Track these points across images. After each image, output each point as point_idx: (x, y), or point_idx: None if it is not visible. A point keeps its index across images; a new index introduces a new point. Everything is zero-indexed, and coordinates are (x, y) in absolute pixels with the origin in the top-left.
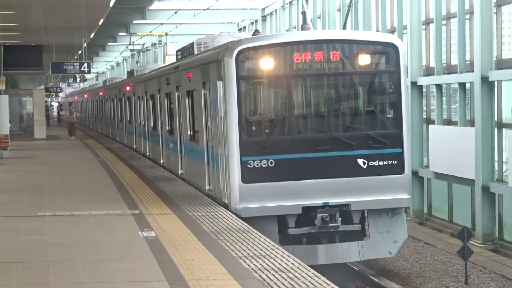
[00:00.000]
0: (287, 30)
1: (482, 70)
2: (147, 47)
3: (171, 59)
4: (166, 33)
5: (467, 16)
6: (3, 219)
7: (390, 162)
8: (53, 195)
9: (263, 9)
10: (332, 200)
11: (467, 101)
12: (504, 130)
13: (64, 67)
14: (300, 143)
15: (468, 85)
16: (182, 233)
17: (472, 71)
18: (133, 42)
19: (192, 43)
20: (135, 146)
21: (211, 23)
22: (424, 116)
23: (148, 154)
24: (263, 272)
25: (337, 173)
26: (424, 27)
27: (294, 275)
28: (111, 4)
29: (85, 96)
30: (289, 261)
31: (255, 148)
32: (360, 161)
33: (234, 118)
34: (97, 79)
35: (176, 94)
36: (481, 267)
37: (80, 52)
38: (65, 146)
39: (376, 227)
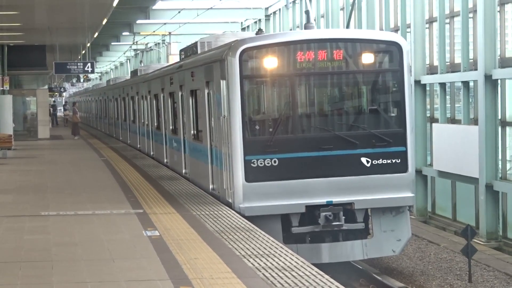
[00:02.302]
0: (291, 29)
1: (485, 69)
2: (150, 47)
3: (174, 58)
4: (170, 33)
5: (471, 15)
6: (7, 218)
7: (393, 161)
8: (57, 195)
9: (266, 9)
10: (335, 199)
11: (470, 100)
12: (508, 128)
13: (68, 67)
14: (304, 142)
15: (471, 84)
16: (185, 232)
17: (476, 69)
18: (136, 42)
19: (196, 43)
20: (138, 146)
21: (215, 22)
22: (428, 115)
23: (151, 153)
24: (267, 271)
25: (340, 171)
26: (427, 25)
27: (298, 273)
28: (114, 4)
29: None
30: (292, 259)
31: (258, 147)
32: (363, 159)
33: (238, 117)
34: (100, 79)
35: (180, 93)
36: (485, 265)
37: (83, 52)
38: (68, 146)
39: (379, 225)
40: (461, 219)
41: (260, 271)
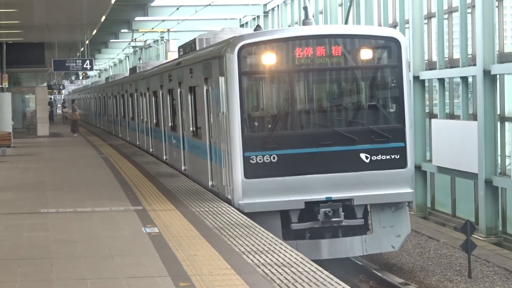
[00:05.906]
0: (289, 26)
1: (484, 64)
2: (149, 44)
3: (173, 55)
4: (168, 30)
5: (469, 10)
6: (6, 216)
7: (393, 157)
8: (56, 192)
9: (265, 5)
10: (335, 195)
11: (469, 95)
12: (506, 123)
13: (67, 64)
14: (303, 138)
15: (470, 79)
16: (185, 229)
17: (474, 65)
18: (135, 39)
19: (194, 39)
20: (138, 143)
21: (213, 19)
22: (427, 110)
23: (151, 150)
24: (266, 267)
25: (340, 167)
26: (426, 21)
27: (297, 269)
28: (113, 1)
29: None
30: (292, 256)
31: (257, 143)
32: (363, 155)
33: (237, 113)
34: (99, 76)
35: (179, 90)
36: (484, 261)
37: (82, 49)
38: (68, 143)
39: (379, 221)
40: (461, 214)
41: (260, 268)
